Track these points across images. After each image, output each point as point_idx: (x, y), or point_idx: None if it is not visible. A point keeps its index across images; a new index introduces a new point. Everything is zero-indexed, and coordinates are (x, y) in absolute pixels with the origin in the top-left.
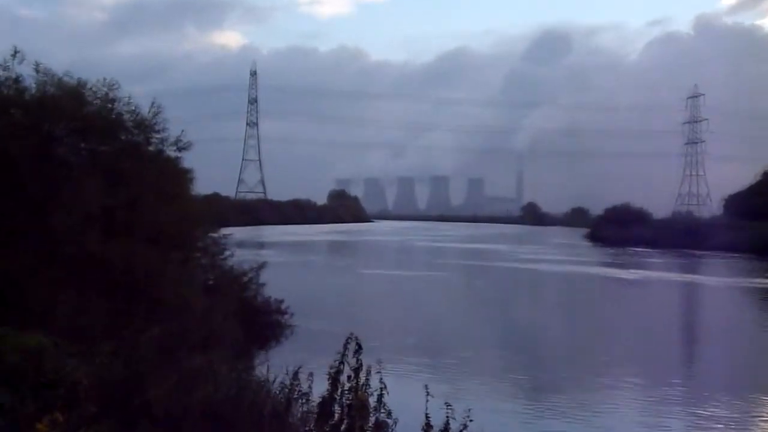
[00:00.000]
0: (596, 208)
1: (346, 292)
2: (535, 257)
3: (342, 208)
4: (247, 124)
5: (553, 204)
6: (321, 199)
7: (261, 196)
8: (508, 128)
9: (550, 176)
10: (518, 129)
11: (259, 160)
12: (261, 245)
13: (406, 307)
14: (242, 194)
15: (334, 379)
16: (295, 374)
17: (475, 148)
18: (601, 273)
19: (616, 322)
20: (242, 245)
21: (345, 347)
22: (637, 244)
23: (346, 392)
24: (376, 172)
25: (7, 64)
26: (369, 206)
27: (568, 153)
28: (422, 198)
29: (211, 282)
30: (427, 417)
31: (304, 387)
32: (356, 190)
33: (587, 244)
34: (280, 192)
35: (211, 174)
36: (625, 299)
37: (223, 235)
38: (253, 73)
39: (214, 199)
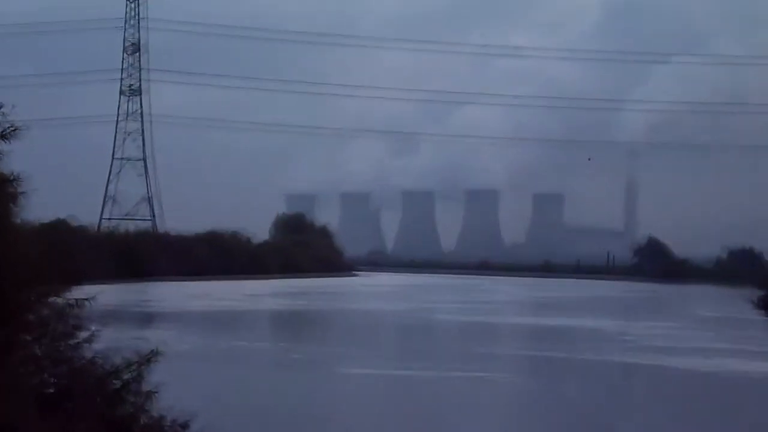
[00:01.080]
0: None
1: (312, 415)
2: (673, 344)
3: (301, 248)
4: (122, 92)
5: (688, 243)
6: (262, 230)
7: (148, 226)
8: (605, 106)
9: (681, 195)
10: (624, 107)
11: (144, 161)
12: (150, 318)
13: None
14: (113, 223)
15: None
16: None
17: (543, 139)
18: None
19: None
20: (116, 317)
21: None
22: None
23: None
24: (363, 183)
25: None
26: (352, 245)
27: (712, 151)
28: (448, 230)
29: (52, 390)
30: None
31: None
32: (327, 215)
33: (763, 317)
34: (185, 219)
35: (58, 187)
36: None
37: (79, 299)
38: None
39: (62, 231)
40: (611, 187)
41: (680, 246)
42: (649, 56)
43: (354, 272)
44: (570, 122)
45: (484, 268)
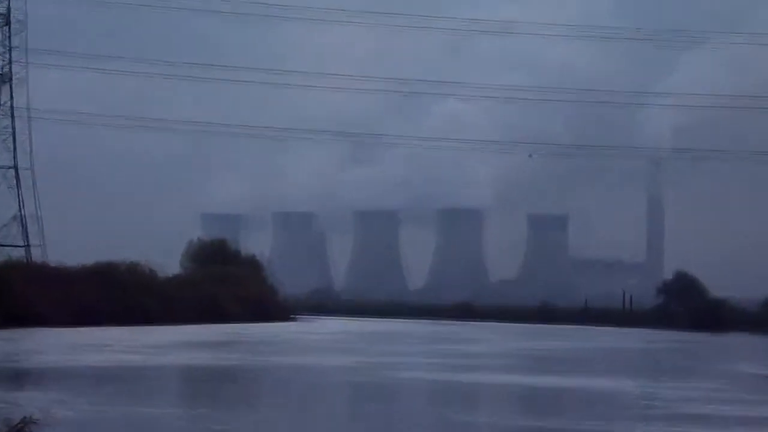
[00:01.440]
0: None
1: None
2: (713, 411)
3: (223, 285)
4: None
5: (727, 279)
6: (172, 261)
7: (21, 254)
8: (621, 101)
9: (719, 217)
10: (646, 102)
11: (15, 170)
12: (23, 376)
13: None
14: None
15: None
16: None
17: (542, 143)
18: None
19: None
20: None
21: None
22: None
23: None
24: (304, 200)
25: None
26: (290, 281)
27: (759, 161)
28: (417, 262)
29: None
30: None
31: None
32: (257, 241)
33: None
34: (69, 246)
35: None
36: None
37: None
38: None
39: None
40: (629, 207)
41: (717, 283)
42: (678, 37)
43: (292, 317)
44: (576, 122)
45: (463, 312)
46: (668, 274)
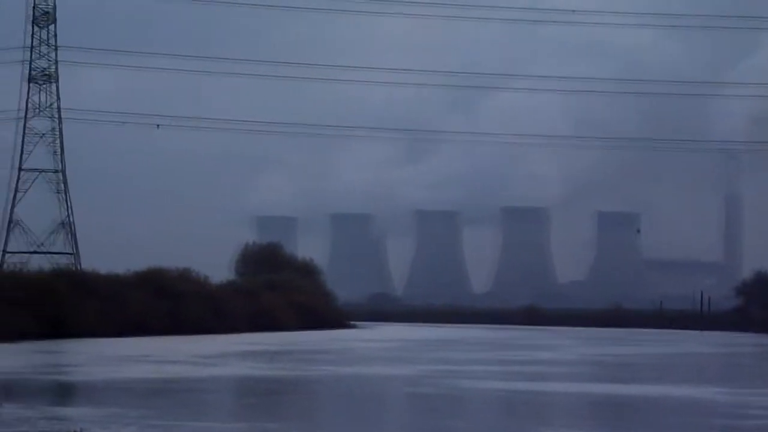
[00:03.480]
0: None
1: None
2: None
3: (277, 291)
4: (31, 79)
5: None
6: (223, 267)
7: (68, 262)
8: (695, 92)
9: None
10: (722, 93)
11: (63, 173)
12: (70, 389)
13: None
14: (19, 258)
15: None
16: None
17: (610, 137)
18: None
19: None
20: (22, 389)
21: None
22: None
23: None
24: (361, 200)
25: None
26: (347, 285)
27: None
28: (481, 264)
29: None
30: None
31: None
32: (312, 244)
33: None
34: (111, 253)
35: None
36: None
37: None
38: None
39: None
40: (705, 204)
41: None
42: (756, 22)
43: (350, 323)
44: (647, 114)
45: (530, 316)
46: (747, 274)
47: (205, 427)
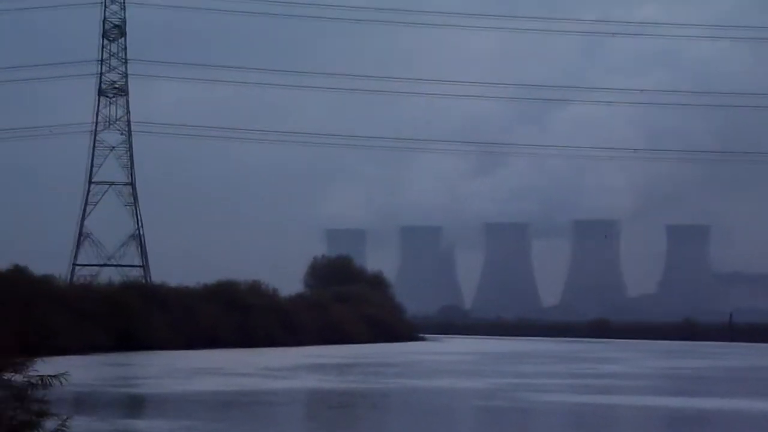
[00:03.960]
0: None
1: None
2: None
3: (347, 304)
4: (101, 92)
5: None
6: (293, 280)
7: (138, 275)
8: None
9: None
10: None
11: (133, 186)
12: (141, 402)
13: None
14: (90, 271)
15: None
16: None
17: (681, 150)
18: None
19: None
20: (94, 400)
21: None
22: None
23: None
24: (430, 213)
25: None
26: (417, 298)
27: None
28: (550, 277)
29: None
30: None
31: None
32: (381, 257)
33: None
34: (179, 266)
35: (10, 223)
36: None
37: (45, 377)
38: None
39: (19, 282)
40: None
41: None
42: None
43: (420, 336)
44: (719, 126)
45: (600, 329)
46: None
47: None
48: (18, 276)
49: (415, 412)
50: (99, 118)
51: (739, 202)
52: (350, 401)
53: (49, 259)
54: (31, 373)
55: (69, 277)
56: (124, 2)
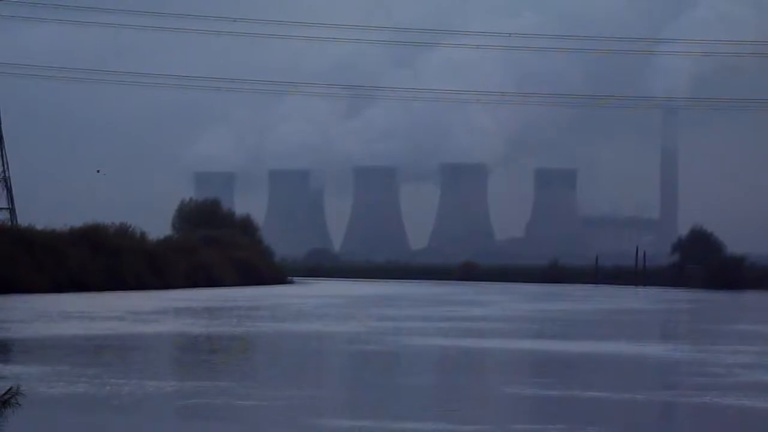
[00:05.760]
0: None
1: None
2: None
3: (215, 247)
4: None
5: (746, 235)
6: (161, 223)
7: (4, 218)
8: (632, 49)
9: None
10: (658, 49)
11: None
12: (5, 347)
13: None
14: None
15: None
16: None
17: (548, 93)
18: None
19: None
20: None
21: None
22: None
23: None
24: (299, 156)
25: None
26: (285, 241)
27: None
28: (418, 221)
29: None
30: None
31: None
32: (250, 200)
33: None
34: (47, 209)
35: None
36: None
37: None
38: None
39: None
40: (642, 161)
41: (735, 240)
42: None
43: (288, 280)
44: (585, 69)
45: (468, 272)
46: (683, 231)
47: (145, 386)
48: None
49: (288, 357)
50: None
51: (606, 147)
52: (221, 346)
53: None
54: None
55: None
56: None
